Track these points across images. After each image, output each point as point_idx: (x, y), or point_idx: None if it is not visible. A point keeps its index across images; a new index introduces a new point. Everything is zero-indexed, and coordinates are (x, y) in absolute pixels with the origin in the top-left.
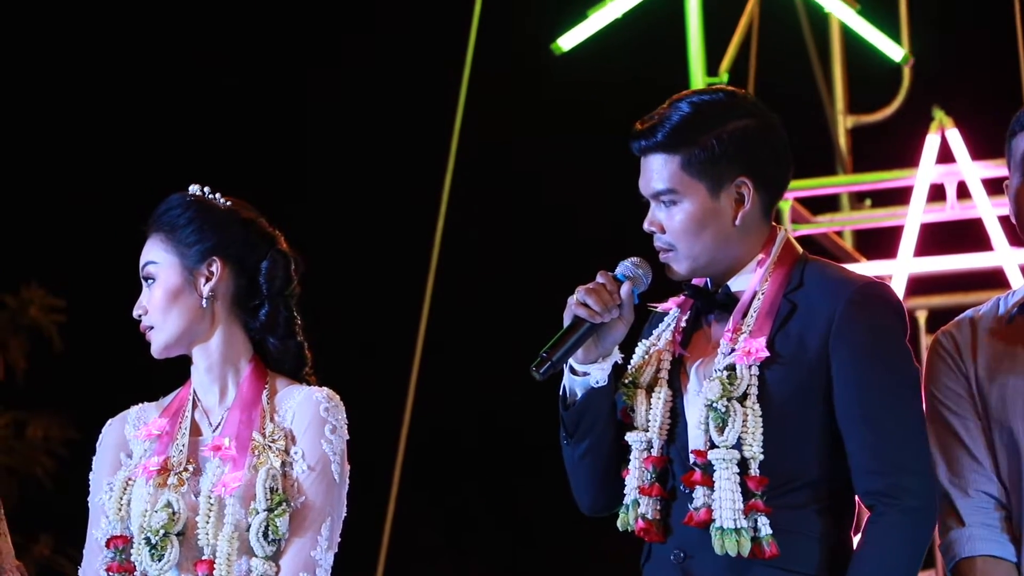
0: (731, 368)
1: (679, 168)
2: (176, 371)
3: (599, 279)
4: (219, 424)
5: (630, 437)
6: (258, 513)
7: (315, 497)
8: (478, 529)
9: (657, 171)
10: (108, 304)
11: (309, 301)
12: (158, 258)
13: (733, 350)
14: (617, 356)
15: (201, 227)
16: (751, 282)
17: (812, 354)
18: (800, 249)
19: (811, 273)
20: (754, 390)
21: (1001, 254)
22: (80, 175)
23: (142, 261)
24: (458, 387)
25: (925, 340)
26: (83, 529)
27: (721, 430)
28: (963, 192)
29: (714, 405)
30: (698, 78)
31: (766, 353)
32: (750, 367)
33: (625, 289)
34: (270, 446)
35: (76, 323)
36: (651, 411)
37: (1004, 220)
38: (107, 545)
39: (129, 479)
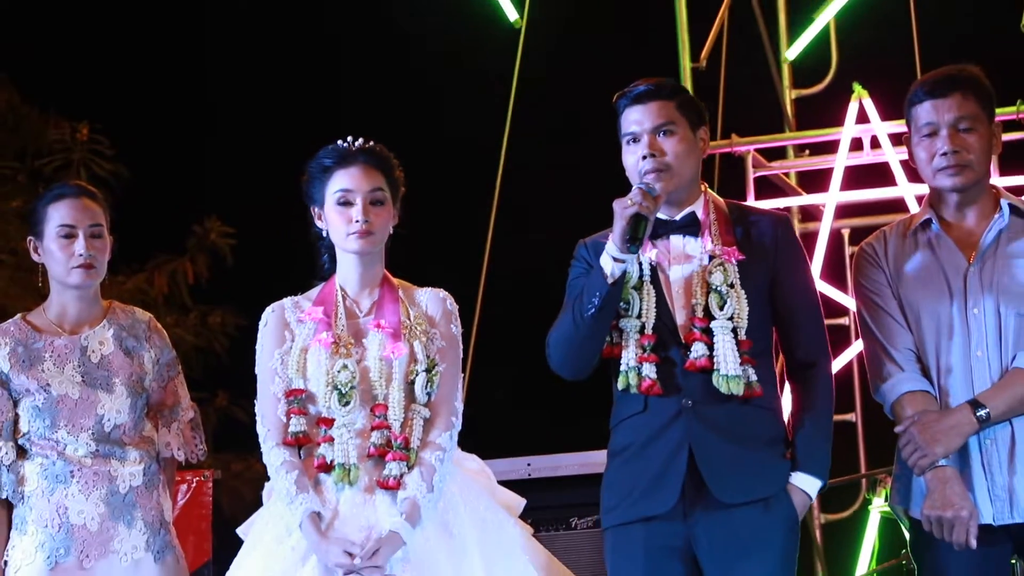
0: (721, 264)
1: (675, 108)
2: (307, 276)
3: (637, 191)
4: (370, 310)
5: (624, 323)
6: (419, 373)
7: (451, 366)
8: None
9: (658, 110)
10: (266, 231)
11: None
12: (385, 188)
13: (712, 256)
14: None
15: (398, 170)
16: (702, 211)
17: (765, 260)
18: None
19: (738, 208)
20: (737, 280)
21: (903, 188)
22: (247, 130)
23: (369, 184)
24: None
25: (848, 249)
26: (251, 387)
27: (721, 307)
28: (875, 144)
29: (718, 288)
30: (685, 63)
31: (742, 256)
32: (734, 264)
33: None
34: (416, 327)
35: (243, 244)
36: (644, 303)
37: (904, 164)
38: (287, 396)
39: (304, 348)
